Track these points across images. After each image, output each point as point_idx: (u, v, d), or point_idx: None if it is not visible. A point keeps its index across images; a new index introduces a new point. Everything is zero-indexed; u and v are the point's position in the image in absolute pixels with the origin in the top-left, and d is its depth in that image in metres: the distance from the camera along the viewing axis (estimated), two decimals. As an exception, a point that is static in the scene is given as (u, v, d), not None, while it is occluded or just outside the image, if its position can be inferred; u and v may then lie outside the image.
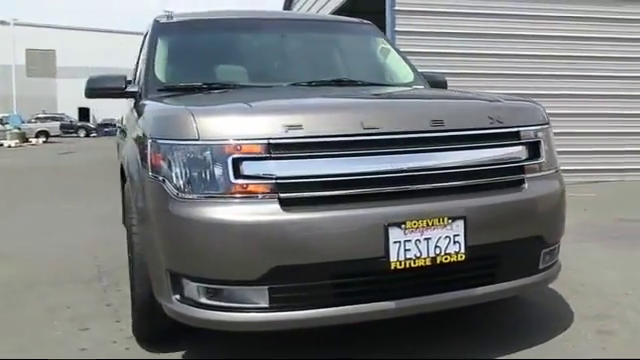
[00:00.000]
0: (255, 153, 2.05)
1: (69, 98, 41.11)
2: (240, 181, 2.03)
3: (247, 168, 2.04)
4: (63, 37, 42.49)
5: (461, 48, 7.06)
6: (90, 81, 3.36)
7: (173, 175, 2.11)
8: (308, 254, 2.02)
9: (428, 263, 2.10)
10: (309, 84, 3.24)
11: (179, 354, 2.53)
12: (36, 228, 5.71)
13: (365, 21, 4.07)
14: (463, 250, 2.14)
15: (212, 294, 2.09)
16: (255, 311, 2.05)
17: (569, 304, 2.96)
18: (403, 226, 2.06)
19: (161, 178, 2.16)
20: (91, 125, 39.55)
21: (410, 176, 2.14)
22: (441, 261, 2.11)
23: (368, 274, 2.08)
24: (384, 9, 6.98)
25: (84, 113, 43.00)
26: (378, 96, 2.79)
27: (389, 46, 3.89)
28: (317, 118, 2.15)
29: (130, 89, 3.26)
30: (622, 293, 3.13)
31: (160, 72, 3.24)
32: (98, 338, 2.77)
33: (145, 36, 4.11)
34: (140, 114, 2.90)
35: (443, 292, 2.18)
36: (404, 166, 2.13)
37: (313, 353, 2.45)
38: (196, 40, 3.56)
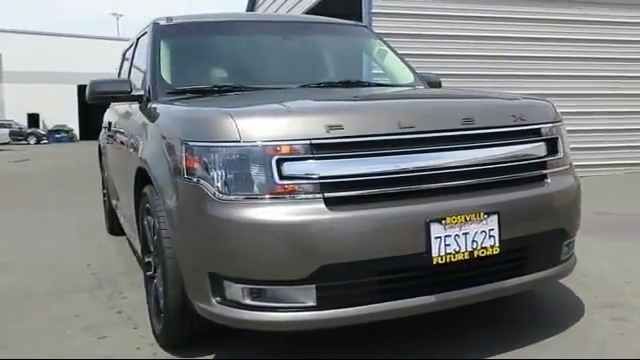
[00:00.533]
0: (298, 154, 2.07)
1: (17, 104, 39.80)
2: (285, 182, 2.05)
3: (291, 168, 2.06)
4: (9, 41, 41.03)
5: (438, 50, 7.22)
6: (93, 84, 3.30)
7: (214, 177, 2.11)
8: (354, 252, 2.05)
9: (466, 257, 2.16)
10: (318, 85, 3.28)
11: (209, 358, 2.52)
12: (17, 238, 5.53)
13: (360, 23, 4.13)
14: (497, 244, 2.21)
15: (257, 295, 2.09)
16: (302, 310, 2.07)
17: (576, 294, 3.08)
18: (443, 222, 2.12)
19: (198, 180, 2.16)
20: (41, 131, 38.40)
21: (446, 173, 2.20)
22: (478, 255, 2.18)
23: (411, 270, 2.13)
24: (360, 12, 7.08)
25: (33, 119, 41.74)
26: (408, 96, 2.85)
27: (386, 47, 3.96)
28: (356, 118, 2.19)
29: (135, 93, 3.23)
30: (622, 282, 3.28)
31: (168, 75, 3.22)
32: (120, 345, 2.73)
33: (138, 39, 4.07)
34: (153, 117, 2.88)
35: (478, 285, 2.25)
36: (440, 163, 2.20)
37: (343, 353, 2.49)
38: (200, 43, 3.55)
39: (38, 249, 4.90)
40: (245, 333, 2.54)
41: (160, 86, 3.13)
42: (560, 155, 2.52)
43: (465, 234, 2.16)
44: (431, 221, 2.10)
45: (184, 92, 3.10)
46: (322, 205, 2.05)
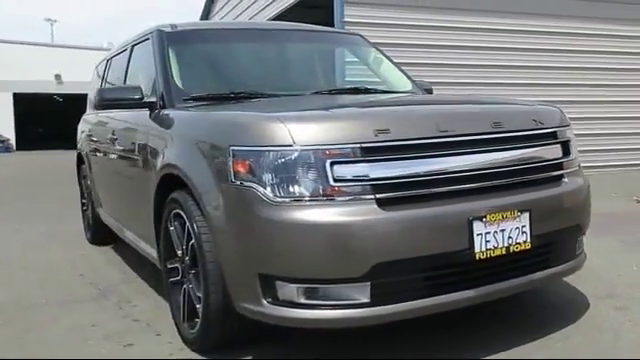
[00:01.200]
0: (349, 157, 2.15)
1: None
2: (338, 184, 2.13)
3: (343, 171, 2.14)
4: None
5: (408, 58, 7.42)
6: (103, 91, 3.31)
7: (267, 180, 2.17)
8: (406, 249, 2.15)
9: (503, 252, 2.30)
10: (329, 92, 3.38)
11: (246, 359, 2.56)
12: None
13: (355, 32, 4.26)
14: (529, 239, 2.37)
15: (311, 294, 2.16)
16: (356, 307, 2.15)
17: (577, 288, 3.28)
18: (484, 219, 2.26)
19: (249, 184, 2.21)
20: (-25, 142, 36.59)
21: (481, 173, 2.34)
22: (513, 250, 2.33)
23: (455, 265, 2.25)
24: (332, 21, 7.22)
25: (-35, 129, 39.71)
26: (439, 102, 2.98)
27: (381, 55, 4.09)
28: (400, 123, 2.30)
29: (147, 99, 3.23)
30: (615, 275, 3.51)
31: (182, 82, 3.23)
32: (149, 352, 2.72)
33: (133, 47, 4.05)
34: (179, 123, 2.91)
35: (512, 278, 2.40)
36: (475, 164, 2.33)
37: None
38: (209, 50, 3.58)
39: (20, 261, 4.75)
40: (279, 334, 2.62)
41: (176, 93, 3.15)
42: (572, 157, 2.71)
43: (502, 231, 2.30)
44: (473, 219, 2.23)
45: (200, 99, 3.13)
46: (375, 206, 2.14)
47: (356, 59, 4.14)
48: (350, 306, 2.15)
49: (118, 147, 3.79)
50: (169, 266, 2.89)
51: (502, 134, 2.44)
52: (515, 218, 2.33)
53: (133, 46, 4.07)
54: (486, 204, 2.29)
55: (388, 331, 2.62)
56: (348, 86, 3.49)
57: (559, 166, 2.62)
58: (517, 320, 2.89)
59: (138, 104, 3.24)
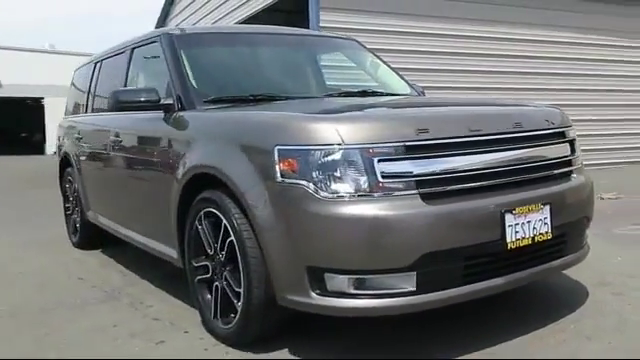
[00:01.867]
0: (394, 154, 2.30)
1: None
2: (385, 180, 2.27)
3: (389, 168, 2.28)
4: None
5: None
6: (119, 93, 3.33)
7: (317, 178, 2.28)
8: (448, 240, 2.31)
9: (529, 242, 2.50)
10: (339, 95, 3.52)
11: (282, 352, 2.65)
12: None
13: (351, 37, 4.42)
14: (550, 230, 2.57)
15: (360, 284, 2.29)
16: (402, 295, 2.29)
17: (571, 277, 3.52)
18: (514, 212, 2.44)
19: (297, 182, 2.32)
20: None
21: (509, 169, 2.53)
22: (537, 240, 2.52)
23: (488, 255, 2.43)
24: (307, 26, 7.36)
25: None
26: (464, 104, 3.15)
27: (378, 60, 4.27)
28: (438, 123, 2.46)
29: (164, 101, 3.27)
30: (603, 266, 3.78)
31: (200, 84, 3.30)
32: (183, 348, 2.77)
33: (133, 49, 4.07)
34: (208, 124, 3.02)
35: (535, 266, 2.60)
36: (503, 161, 2.52)
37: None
38: (219, 53, 3.67)
39: (11, 267, 4.66)
40: (315, 326, 2.74)
41: (195, 95, 3.21)
42: (577, 154, 2.94)
43: (528, 222, 2.49)
44: (505, 212, 2.42)
45: (220, 101, 3.21)
46: (419, 200, 2.29)
47: (353, 64, 4.29)
48: (397, 295, 2.29)
49: (125, 150, 3.80)
50: (195, 265, 2.95)
51: (522, 133, 2.64)
52: (538, 210, 2.53)
53: (133, 49, 4.08)
54: (514, 197, 2.48)
55: (402, 321, 2.76)
56: (356, 89, 3.63)
57: (569, 163, 2.85)
58: (525, 308, 3.09)
59: (155, 106, 3.28)
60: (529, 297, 3.24)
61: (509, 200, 2.46)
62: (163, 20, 15.38)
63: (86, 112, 4.97)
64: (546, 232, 2.56)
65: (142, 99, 3.26)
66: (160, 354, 2.73)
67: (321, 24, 7.33)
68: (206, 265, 2.88)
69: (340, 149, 2.27)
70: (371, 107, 2.92)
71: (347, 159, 2.27)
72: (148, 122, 3.49)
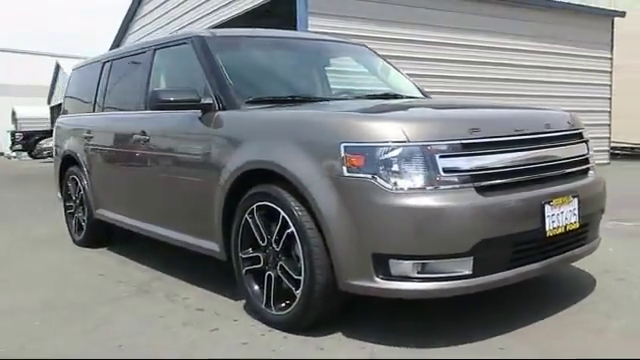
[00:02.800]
0: (452, 151, 2.55)
1: None
2: (446, 174, 2.51)
3: (449, 163, 2.53)
4: None
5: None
6: (161, 93, 3.44)
7: (384, 172, 2.50)
8: (500, 228, 2.57)
9: (562, 231, 2.79)
10: (367, 97, 3.75)
11: (337, 335, 2.85)
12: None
13: (361, 43, 4.66)
14: (578, 220, 2.88)
15: (422, 269, 2.52)
16: (459, 279, 2.53)
17: (575, 267, 3.85)
18: (551, 203, 2.73)
19: (364, 176, 2.53)
20: None
21: (545, 165, 2.82)
22: (568, 229, 2.82)
23: (530, 242, 2.70)
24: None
25: None
26: (508, 107, 3.42)
27: (388, 64, 4.52)
28: (487, 123, 2.73)
29: (204, 101, 3.42)
30: (601, 254, 4.13)
31: (240, 86, 3.46)
32: (239, 334, 2.92)
33: (155, 50, 4.18)
34: (241, 124, 3.17)
35: (564, 253, 2.89)
36: (542, 158, 2.81)
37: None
38: (249, 55, 3.82)
39: (21, 265, 4.67)
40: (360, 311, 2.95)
41: (237, 96, 3.37)
42: (591, 153, 3.27)
43: (561, 213, 2.78)
44: (545, 203, 2.70)
45: (261, 101, 3.39)
46: (475, 192, 2.54)
47: (365, 68, 4.52)
48: (455, 278, 2.53)
49: (153, 148, 3.90)
50: (244, 256, 3.11)
51: (552, 133, 2.93)
52: (569, 202, 2.83)
53: (155, 50, 4.19)
54: (551, 190, 2.77)
55: (420, 308, 3.01)
56: (380, 92, 3.87)
57: (587, 160, 3.17)
58: (541, 296, 3.37)
59: (195, 105, 3.42)
60: (541, 286, 3.53)
61: (547, 193, 2.75)
62: (130, 19, 15.24)
63: (94, 111, 5.02)
64: (574, 222, 2.86)
65: (184, 99, 3.39)
66: (217, 340, 2.88)
67: (310, 29, 7.55)
68: (257, 256, 3.04)
69: (406, 146, 2.50)
70: (419, 108, 3.17)
71: (412, 155, 2.50)
72: (182, 121, 3.61)
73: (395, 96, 3.89)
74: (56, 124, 5.96)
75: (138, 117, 4.16)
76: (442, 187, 2.51)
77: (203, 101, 3.41)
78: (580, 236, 3.00)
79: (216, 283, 3.73)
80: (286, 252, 2.88)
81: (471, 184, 2.55)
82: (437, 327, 2.91)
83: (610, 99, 11.28)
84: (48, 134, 28.11)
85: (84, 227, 5.15)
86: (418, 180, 2.50)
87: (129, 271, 4.31)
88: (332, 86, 4.06)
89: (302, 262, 2.75)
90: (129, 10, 15.19)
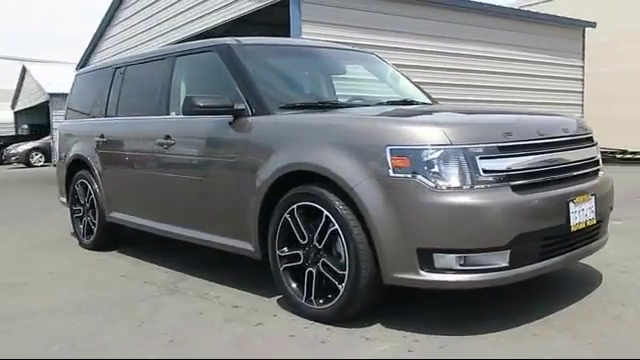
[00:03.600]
0: (490, 153, 2.77)
1: None
2: (485, 174, 2.73)
3: (487, 164, 2.75)
4: None
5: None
6: (193, 98, 3.55)
7: (429, 172, 2.70)
8: (533, 224, 2.80)
9: (583, 226, 3.04)
10: (388, 103, 3.96)
11: (377, 326, 3.03)
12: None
13: (371, 52, 4.87)
14: (595, 216, 3.14)
15: (463, 262, 2.72)
16: (497, 270, 2.75)
17: (580, 262, 4.11)
18: (574, 201, 2.98)
19: (410, 176, 2.73)
20: None
21: (569, 166, 3.08)
22: (587, 224, 3.08)
23: (557, 236, 2.94)
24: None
25: None
26: (528, 113, 3.65)
27: (396, 71, 4.75)
28: (517, 128, 2.97)
29: (237, 107, 3.57)
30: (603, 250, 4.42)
31: (272, 92, 3.63)
32: (284, 328, 3.07)
33: (176, 57, 4.31)
34: (279, 128, 3.34)
35: (583, 246, 3.15)
36: (564, 159, 3.06)
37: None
38: (275, 63, 3.98)
39: (38, 268, 4.71)
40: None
41: (269, 102, 3.54)
42: (599, 155, 3.54)
43: (582, 210, 3.04)
44: (569, 201, 2.95)
45: (293, 107, 3.56)
46: (510, 191, 2.77)
47: (375, 76, 4.73)
48: (493, 270, 2.75)
49: (180, 152, 4.02)
50: (282, 255, 3.27)
51: (569, 137, 3.19)
52: (588, 200, 3.09)
53: (176, 57, 4.32)
54: (574, 189, 3.03)
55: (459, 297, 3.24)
56: (398, 99, 4.09)
57: (597, 162, 3.44)
58: (554, 289, 3.61)
59: (228, 111, 3.57)
60: (551, 280, 3.79)
61: (570, 191, 3.00)
62: (108, 23, 15.12)
63: (106, 116, 5.09)
64: (592, 218, 3.12)
65: (218, 105, 3.54)
66: (265, 333, 3.03)
67: (303, 36, 7.74)
68: (296, 254, 3.20)
69: (449, 148, 2.71)
70: (453, 113, 3.39)
71: (455, 157, 2.71)
72: (212, 126, 3.74)
73: (411, 102, 4.11)
74: (59, 129, 6.00)
75: (160, 122, 4.28)
76: (482, 186, 2.72)
77: (236, 107, 3.56)
78: (595, 231, 3.26)
79: (243, 282, 3.88)
80: (327, 249, 3.06)
81: (507, 183, 2.78)
82: (465, 318, 3.12)
83: (582, 105, 11.81)
84: (14, 139, 27.55)
85: (94, 230, 5.21)
86: (460, 180, 2.71)
87: (149, 272, 4.41)
88: (352, 93, 4.26)
89: (347, 258, 2.92)
90: (106, 15, 15.11)
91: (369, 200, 2.83)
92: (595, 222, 3.15)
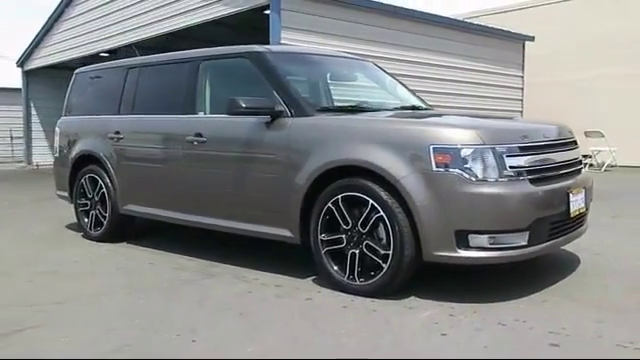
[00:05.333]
0: (513, 152, 3.37)
1: None
2: (510, 169, 3.33)
3: (511, 161, 3.35)
4: None
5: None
6: (240, 100, 3.95)
7: (466, 167, 3.27)
8: (545, 210, 3.43)
9: (577, 213, 3.71)
10: (401, 109, 4.51)
11: (413, 298, 3.56)
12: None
13: (370, 60, 5.42)
14: (585, 206, 3.82)
15: (493, 241, 3.31)
16: (519, 248, 3.35)
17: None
18: (572, 192, 3.64)
19: (450, 170, 3.28)
20: None
21: (566, 164, 3.73)
22: (580, 212, 3.75)
23: (560, 221, 3.59)
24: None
25: None
26: (528, 121, 4.27)
27: (394, 79, 5.32)
28: (530, 132, 3.59)
29: (277, 109, 4.01)
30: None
31: (307, 95, 4.10)
32: (331, 302, 3.53)
33: (201, 61, 4.68)
34: (321, 129, 3.81)
35: (574, 230, 3.82)
36: (563, 158, 3.72)
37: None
38: (302, 68, 4.45)
39: (60, 258, 4.92)
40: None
41: (307, 105, 4.01)
42: (580, 156, 4.24)
43: (577, 200, 3.70)
44: (569, 192, 3.60)
45: (328, 110, 4.05)
46: (529, 183, 3.38)
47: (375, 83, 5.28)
48: (516, 247, 3.35)
49: (213, 148, 4.40)
50: (325, 239, 3.74)
51: (564, 140, 3.86)
52: (581, 192, 3.76)
53: (201, 61, 4.69)
54: (571, 182, 3.69)
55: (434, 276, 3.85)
56: (408, 104, 4.66)
57: (580, 161, 4.14)
58: (542, 269, 4.26)
59: (269, 112, 4.00)
60: (544, 261, 4.44)
61: (569, 184, 3.66)
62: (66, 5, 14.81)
63: (120, 113, 5.35)
64: (583, 207, 3.80)
65: (259, 106, 3.97)
66: (319, 306, 3.49)
67: (282, 41, 8.17)
68: (338, 238, 3.69)
69: (482, 147, 3.29)
70: (477, 118, 3.99)
71: (487, 154, 3.29)
72: (249, 125, 4.14)
73: (418, 108, 4.70)
74: (59, 125, 6.15)
75: (190, 120, 4.62)
76: (507, 179, 3.32)
77: (276, 109, 4.00)
78: (584, 218, 3.95)
79: (273, 267, 4.30)
80: (370, 233, 3.56)
81: (525, 177, 3.39)
82: (486, 290, 3.71)
83: (521, 112, 12.88)
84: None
85: (104, 222, 5.45)
86: (491, 173, 3.29)
87: (175, 260, 4.72)
88: (363, 99, 4.79)
89: (392, 239, 3.44)
90: (55, 11, 14.86)
91: (414, 190, 3.36)
92: (584, 210, 3.83)
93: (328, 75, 4.76)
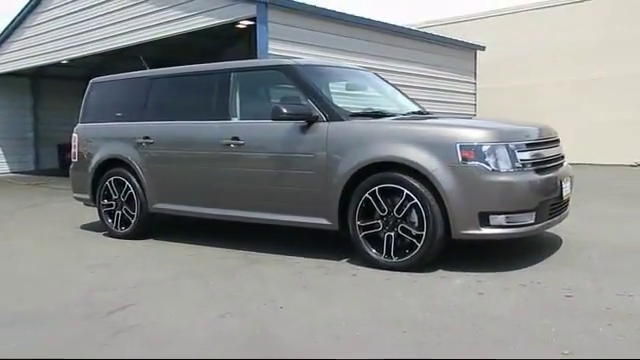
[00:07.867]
0: (521, 148, 4.17)
1: None
2: (520, 162, 4.12)
3: (521, 155, 4.14)
4: None
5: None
6: (281, 107, 4.60)
7: (487, 160, 4.03)
8: (547, 194, 4.24)
9: (567, 198, 4.56)
10: (408, 113, 5.26)
11: (440, 271, 4.27)
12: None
13: (372, 71, 6.15)
14: (570, 191, 4.67)
15: (508, 220, 4.08)
16: (527, 226, 4.14)
17: (536, 229, 5.68)
18: (563, 181, 4.48)
19: (473, 163, 4.04)
20: None
21: (555, 157, 4.57)
22: (567, 197, 4.60)
23: (556, 203, 4.41)
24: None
25: None
26: (522, 124, 5.07)
27: (394, 87, 6.07)
28: (531, 132, 4.41)
29: (314, 115, 4.66)
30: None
31: (340, 103, 4.77)
32: (372, 277, 4.19)
33: (232, 72, 5.27)
34: (357, 131, 4.50)
35: (564, 211, 4.66)
36: (555, 152, 4.56)
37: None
38: (327, 79, 5.12)
39: (96, 254, 5.33)
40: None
41: (340, 111, 4.68)
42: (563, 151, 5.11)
43: (566, 187, 4.55)
44: (561, 180, 4.44)
45: (357, 115, 4.73)
46: (535, 173, 4.19)
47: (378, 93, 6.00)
48: (525, 225, 4.14)
49: (251, 150, 4.98)
50: (362, 225, 4.42)
51: (552, 138, 4.71)
52: (568, 181, 4.61)
53: (232, 72, 5.27)
54: (562, 173, 4.53)
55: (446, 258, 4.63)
56: (416, 110, 5.42)
57: (563, 156, 5.00)
58: (532, 249, 5.09)
59: (307, 117, 4.64)
60: (525, 244, 5.27)
61: (560, 174, 4.50)
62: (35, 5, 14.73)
63: (145, 120, 5.82)
64: (569, 193, 4.66)
65: (299, 112, 4.62)
66: (365, 280, 4.14)
67: (270, 52, 8.77)
68: (375, 223, 4.37)
69: (500, 144, 4.07)
70: (488, 122, 4.77)
71: (503, 150, 4.07)
72: (287, 129, 4.76)
73: (422, 113, 5.45)
74: (78, 132, 6.51)
75: (226, 125, 5.18)
76: (518, 170, 4.11)
77: (313, 114, 4.64)
78: (568, 202, 4.81)
79: (306, 252, 4.91)
80: (404, 218, 4.27)
81: (531, 168, 4.19)
82: (498, 263, 4.48)
83: (475, 115, 13.99)
84: None
85: (132, 221, 5.89)
86: (507, 165, 4.07)
87: (212, 251, 5.23)
88: (390, 106, 5.51)
89: (425, 222, 4.16)
90: (18, 15, 14.80)
91: (444, 181, 4.09)
92: (569, 196, 4.69)
93: (345, 85, 5.45)
